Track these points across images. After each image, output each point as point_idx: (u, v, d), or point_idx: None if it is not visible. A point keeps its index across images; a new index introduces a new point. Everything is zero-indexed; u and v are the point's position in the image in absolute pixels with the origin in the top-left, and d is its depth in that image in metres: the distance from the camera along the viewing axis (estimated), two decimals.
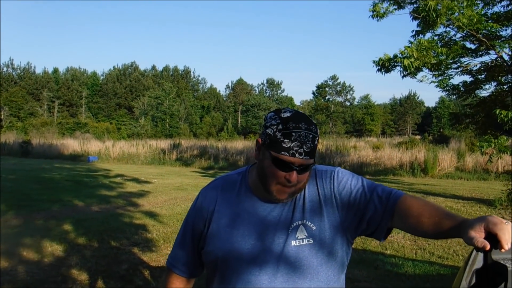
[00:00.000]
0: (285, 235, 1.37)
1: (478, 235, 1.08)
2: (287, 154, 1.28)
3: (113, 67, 70.97)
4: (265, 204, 1.41)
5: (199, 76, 77.66)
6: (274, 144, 1.30)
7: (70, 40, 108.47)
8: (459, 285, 1.66)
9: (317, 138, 1.32)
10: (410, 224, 1.30)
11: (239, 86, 73.37)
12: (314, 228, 1.38)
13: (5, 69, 63.79)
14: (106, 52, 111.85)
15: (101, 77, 70.41)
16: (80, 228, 6.76)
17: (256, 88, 76.06)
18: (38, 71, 68.68)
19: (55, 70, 70.42)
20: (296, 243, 1.36)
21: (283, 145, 1.28)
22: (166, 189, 11.77)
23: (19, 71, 65.41)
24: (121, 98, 64.90)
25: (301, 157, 1.28)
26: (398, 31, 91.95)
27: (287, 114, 1.32)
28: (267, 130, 1.33)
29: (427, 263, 5.30)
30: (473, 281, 1.64)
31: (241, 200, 1.45)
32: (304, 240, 1.36)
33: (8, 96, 57.23)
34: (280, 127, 1.29)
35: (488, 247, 1.07)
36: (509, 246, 1.06)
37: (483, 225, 1.09)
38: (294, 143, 1.27)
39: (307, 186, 1.42)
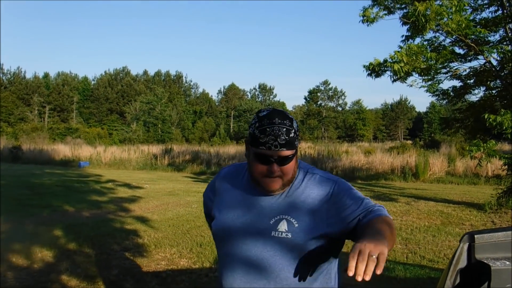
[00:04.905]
0: (267, 225, 1.49)
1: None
2: (264, 148, 1.42)
3: (105, 72, 70.39)
4: (259, 194, 1.55)
5: (191, 81, 76.89)
6: (253, 141, 1.46)
7: (61, 44, 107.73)
8: (444, 285, 1.68)
9: (292, 131, 1.44)
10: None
11: (231, 91, 73.37)
12: (296, 225, 1.48)
13: None
14: (97, 56, 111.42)
15: (93, 82, 69.90)
16: (70, 234, 6.72)
17: (248, 93, 76.09)
18: (29, 75, 68.42)
19: (46, 75, 69.85)
20: (275, 234, 1.47)
21: (260, 140, 1.42)
22: (157, 194, 11.71)
23: (9, 76, 64.68)
24: (113, 103, 64.55)
25: (276, 149, 1.41)
26: (390, 36, 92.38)
27: (263, 113, 1.47)
28: (249, 129, 1.50)
29: (418, 267, 5.31)
30: (458, 280, 1.66)
31: (243, 188, 1.61)
32: (283, 233, 1.46)
33: None
34: (257, 125, 1.45)
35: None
36: (351, 273, 1.13)
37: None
38: (269, 137, 1.41)
39: (303, 187, 1.53)
